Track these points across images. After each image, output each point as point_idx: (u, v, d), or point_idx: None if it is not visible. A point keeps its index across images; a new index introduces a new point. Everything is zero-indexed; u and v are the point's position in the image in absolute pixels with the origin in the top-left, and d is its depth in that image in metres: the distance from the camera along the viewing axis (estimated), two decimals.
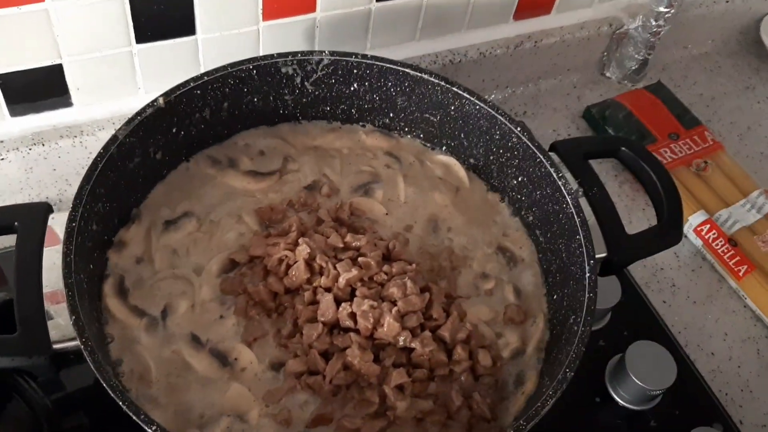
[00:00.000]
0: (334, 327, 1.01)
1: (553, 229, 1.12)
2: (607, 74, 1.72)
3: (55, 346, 0.88)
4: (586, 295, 0.99)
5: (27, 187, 1.30)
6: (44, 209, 0.96)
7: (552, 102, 1.67)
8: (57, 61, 1.20)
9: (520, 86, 1.67)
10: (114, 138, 1.03)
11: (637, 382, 1.16)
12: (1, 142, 1.23)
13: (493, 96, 1.65)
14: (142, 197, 1.13)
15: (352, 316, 0.98)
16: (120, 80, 1.29)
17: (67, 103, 1.27)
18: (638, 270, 1.39)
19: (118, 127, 1.04)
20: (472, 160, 1.24)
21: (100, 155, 1.01)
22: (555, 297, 1.10)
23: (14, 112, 1.24)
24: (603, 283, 1.12)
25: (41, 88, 1.24)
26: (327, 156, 1.23)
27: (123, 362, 0.97)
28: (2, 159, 1.24)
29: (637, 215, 1.50)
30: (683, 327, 1.34)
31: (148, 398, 0.95)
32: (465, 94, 1.18)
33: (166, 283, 1.05)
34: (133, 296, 1.03)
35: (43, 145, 1.26)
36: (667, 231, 1.07)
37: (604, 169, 1.54)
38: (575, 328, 0.97)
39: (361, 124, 1.28)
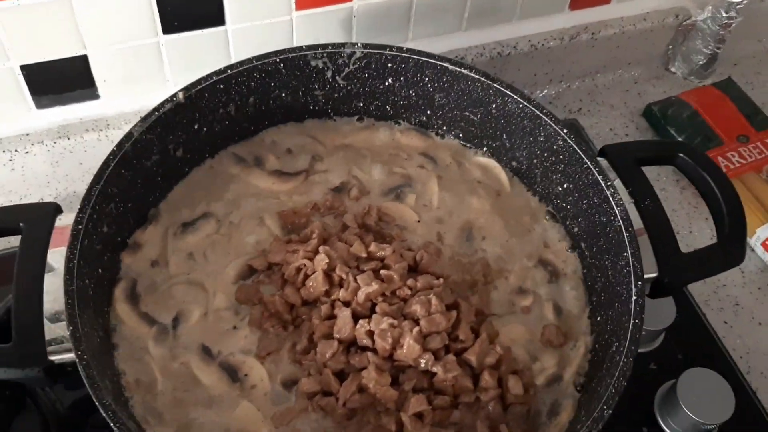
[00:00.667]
0: (351, 345, 0.93)
1: (600, 243, 1.01)
2: (672, 69, 1.59)
3: (52, 358, 0.84)
4: (631, 321, 0.89)
5: (54, 181, 1.27)
6: (51, 210, 0.92)
7: (610, 98, 1.55)
8: (81, 52, 1.16)
9: (575, 81, 1.56)
10: (129, 135, 0.98)
11: (689, 414, 1.05)
12: (27, 135, 1.20)
13: (545, 91, 1.54)
14: (162, 196, 1.08)
15: (370, 334, 0.91)
16: (148, 72, 1.24)
17: (93, 95, 1.23)
18: (697, 286, 1.27)
19: None
20: (514, 163, 1.15)
21: (113, 153, 0.96)
22: (599, 319, 1.00)
23: (40, 104, 1.21)
24: (656, 301, 1.02)
25: (67, 80, 1.20)
26: (358, 156, 1.15)
27: (128, 372, 0.92)
28: (27, 152, 1.21)
29: (699, 225, 1.37)
30: (746, 352, 1.22)
31: (152, 412, 0.90)
32: (507, 92, 1.08)
33: (180, 288, 1.00)
34: (144, 302, 0.98)
35: (69, 138, 1.22)
36: (727, 250, 0.96)
37: (664, 172, 1.42)
38: (617, 357, 0.87)
39: (395, 121, 1.19)
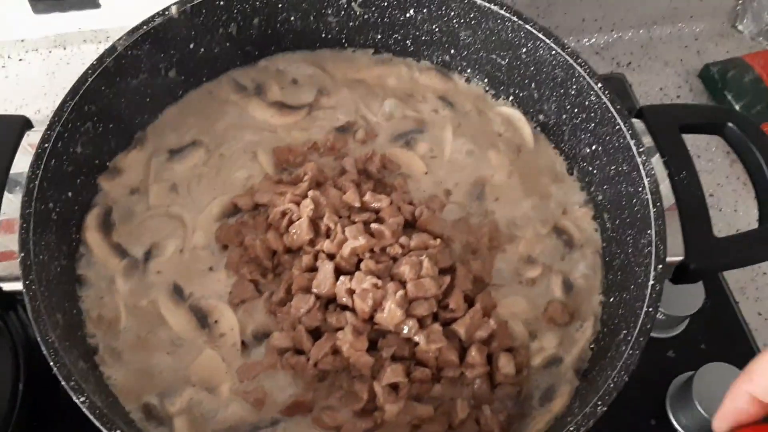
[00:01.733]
0: (330, 302, 0.85)
1: (624, 216, 0.90)
2: (739, 27, 1.42)
3: (2, 285, 0.77)
4: (644, 309, 0.78)
5: (50, 93, 1.20)
6: (19, 124, 0.85)
7: (665, 54, 1.39)
8: None
9: (629, 31, 1.40)
10: (112, 49, 0.90)
11: (702, 412, 0.94)
12: (22, 41, 1.13)
13: (593, 40, 1.39)
14: (150, 119, 0.99)
15: (351, 293, 0.82)
16: None
17: (94, 3, 1.14)
18: (733, 271, 1.15)
19: None
20: (541, 117, 1.03)
21: (92, 67, 0.88)
22: (612, 300, 0.89)
23: (37, 8, 1.13)
24: (683, 285, 0.91)
25: None
26: (369, 93, 1.04)
27: (91, 306, 0.86)
28: (21, 60, 1.14)
29: (746, 204, 1.23)
30: None
31: (112, 351, 0.84)
32: (540, 35, 0.95)
33: (158, 221, 0.92)
34: (117, 232, 0.91)
35: (65, 48, 1.15)
36: (766, 239, 0.83)
37: (714, 141, 1.28)
38: (623, 347, 0.77)
39: (415, 58, 1.08)
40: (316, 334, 0.84)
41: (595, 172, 0.96)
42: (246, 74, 1.05)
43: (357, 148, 1.00)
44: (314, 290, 0.84)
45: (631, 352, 0.75)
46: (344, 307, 0.84)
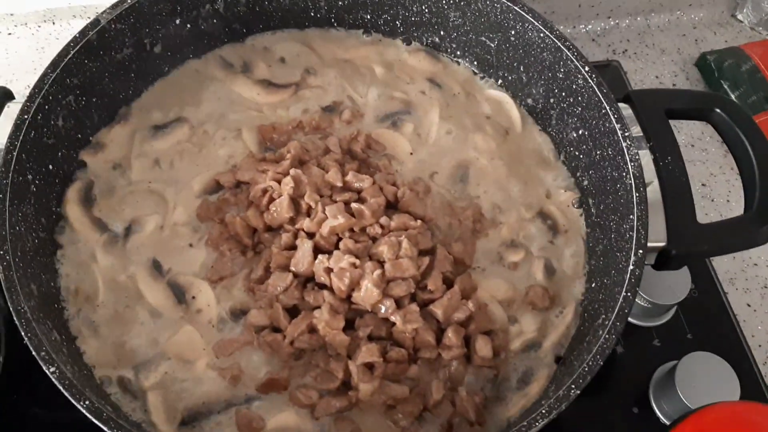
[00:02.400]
0: (309, 280, 0.84)
1: (608, 201, 0.89)
2: (739, 17, 1.40)
3: None
4: (622, 294, 0.77)
5: (40, 68, 1.15)
6: None
7: (662, 42, 1.38)
8: None
9: (626, 18, 1.39)
10: (95, 22, 0.89)
11: (685, 402, 0.94)
12: (11, 15, 1.12)
13: (590, 26, 1.38)
14: (135, 95, 0.99)
15: (328, 271, 0.82)
16: None
17: None
18: (723, 261, 1.13)
19: None
20: (529, 101, 1.02)
21: (74, 40, 0.88)
22: (594, 285, 0.88)
23: None
24: (670, 272, 0.90)
25: None
26: (356, 74, 1.04)
27: (69, 279, 0.86)
28: (10, 34, 1.13)
29: (739, 194, 1.20)
30: (766, 341, 1.09)
31: (89, 324, 0.84)
32: (529, 17, 0.94)
33: (139, 197, 0.92)
34: (98, 206, 0.91)
35: (54, 23, 1.14)
36: (752, 225, 0.82)
37: (709, 130, 1.26)
38: (600, 332, 0.76)
39: (405, 39, 1.07)
40: (293, 312, 0.83)
41: (581, 156, 0.95)
42: (233, 52, 1.04)
43: (343, 128, 0.99)
44: (292, 269, 0.83)
45: (607, 336, 0.75)
46: (322, 286, 0.83)
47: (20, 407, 0.96)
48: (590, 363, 0.73)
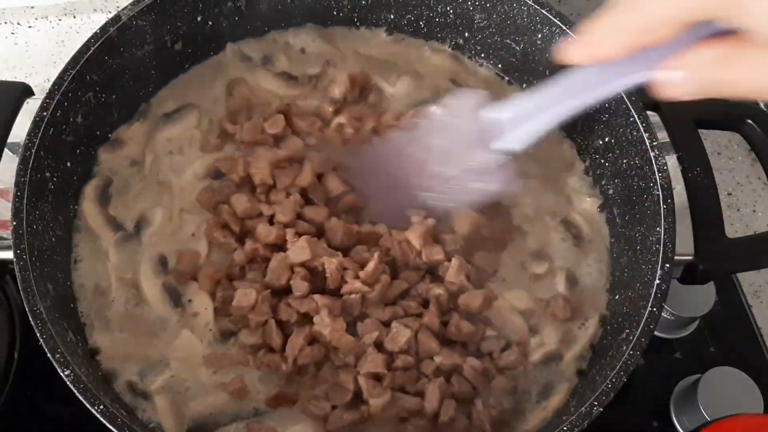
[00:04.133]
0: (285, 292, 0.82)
1: (634, 212, 0.87)
2: None
3: None
4: (648, 308, 0.75)
5: (60, 61, 1.15)
6: (18, 91, 0.83)
7: None
8: None
9: None
10: (116, 18, 0.88)
11: (707, 417, 0.92)
12: (32, 7, 1.11)
13: None
14: (155, 91, 0.97)
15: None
16: None
17: None
18: (748, 274, 1.11)
19: None
20: None
21: (95, 36, 0.86)
22: (617, 298, 0.86)
23: None
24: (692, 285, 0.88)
25: None
26: (383, 67, 1.01)
27: (84, 277, 0.85)
28: (30, 27, 1.13)
29: (765, 205, 1.19)
30: None
31: (102, 319, 0.82)
32: (556, 21, 0.92)
33: (149, 190, 0.90)
34: (113, 204, 0.89)
35: (75, 17, 1.13)
36: None
37: (736, 138, 1.23)
38: (623, 347, 0.75)
39: (428, 40, 1.05)
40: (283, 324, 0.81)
41: (606, 165, 0.93)
42: (254, 45, 1.02)
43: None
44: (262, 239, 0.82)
45: (631, 352, 0.73)
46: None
47: (35, 403, 0.95)
48: (614, 379, 0.72)
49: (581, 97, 0.69)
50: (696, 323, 1.05)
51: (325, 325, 0.77)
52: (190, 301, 0.83)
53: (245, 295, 0.79)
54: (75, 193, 0.88)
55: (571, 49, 0.61)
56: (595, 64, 0.63)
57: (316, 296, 0.79)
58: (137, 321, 0.82)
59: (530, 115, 0.73)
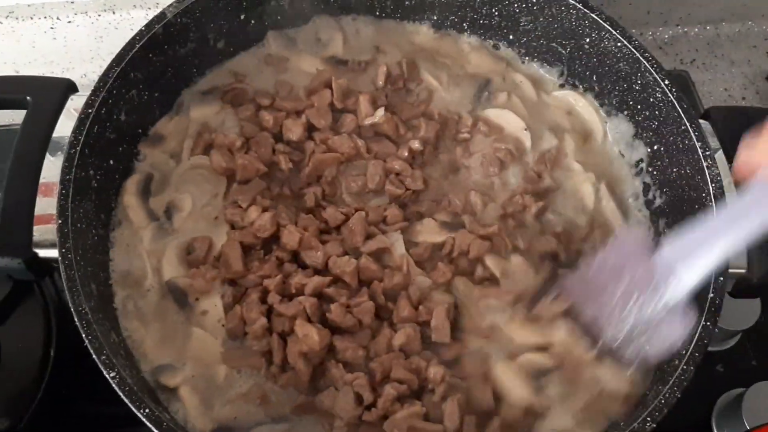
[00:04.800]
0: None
1: (684, 223, 0.85)
2: None
3: (38, 251, 0.76)
4: (701, 323, 0.74)
5: (98, 57, 1.18)
6: (63, 87, 0.83)
7: (732, 53, 1.33)
8: None
9: (695, 26, 1.34)
10: (161, 16, 0.87)
11: None
12: (72, 2, 1.11)
13: (657, 34, 1.33)
14: (194, 86, 0.96)
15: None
16: None
17: None
18: None
19: None
20: (601, 112, 0.98)
21: (140, 34, 0.85)
22: None
23: None
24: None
25: None
26: (429, 59, 1.01)
27: (121, 268, 0.83)
28: (69, 22, 1.12)
29: None
30: None
31: (136, 309, 0.81)
32: (606, 25, 0.91)
33: (185, 177, 0.89)
34: (153, 198, 0.88)
35: (114, 12, 1.12)
36: None
37: None
38: (675, 361, 0.73)
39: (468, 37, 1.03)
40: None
41: (655, 173, 0.91)
42: (298, 33, 1.00)
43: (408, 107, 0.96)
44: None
45: (685, 367, 0.71)
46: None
47: (71, 401, 0.95)
48: (667, 395, 0.70)
49: (749, 223, 0.66)
50: (738, 336, 1.03)
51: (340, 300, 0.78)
52: (197, 300, 0.82)
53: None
54: (116, 191, 0.87)
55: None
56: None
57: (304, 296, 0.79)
58: (164, 316, 0.81)
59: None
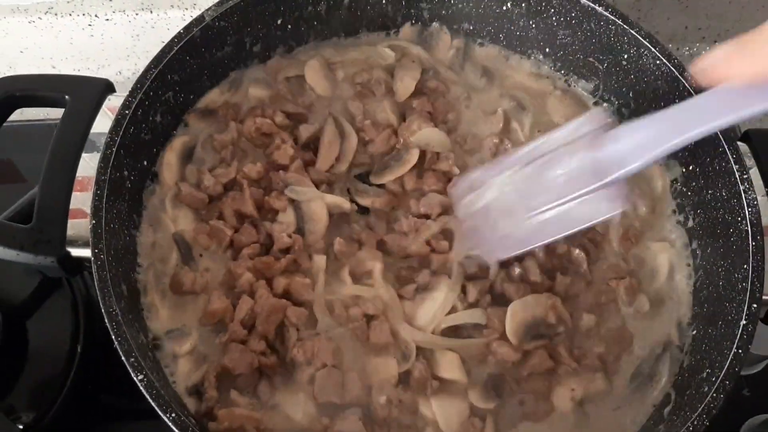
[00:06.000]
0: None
1: (717, 245, 0.84)
2: None
3: (71, 250, 0.76)
4: (733, 350, 0.73)
5: (133, 55, 1.19)
6: (102, 87, 0.83)
7: None
8: None
9: None
10: (200, 19, 0.87)
11: None
12: (110, 0, 1.12)
13: (693, 50, 1.31)
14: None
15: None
16: None
17: None
18: None
19: None
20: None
21: (178, 36, 0.86)
22: (695, 333, 0.83)
23: None
24: None
25: None
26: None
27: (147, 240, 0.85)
28: (107, 19, 1.13)
29: None
30: None
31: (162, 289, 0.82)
32: (645, 42, 0.89)
33: None
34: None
35: (152, 12, 1.13)
36: None
37: None
38: (705, 388, 0.72)
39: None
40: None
41: (689, 194, 0.90)
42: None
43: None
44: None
45: (714, 395, 0.70)
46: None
47: (96, 396, 0.96)
48: (696, 422, 0.69)
49: (702, 124, 0.67)
50: (766, 361, 1.01)
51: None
52: (201, 255, 0.84)
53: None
54: (148, 193, 0.88)
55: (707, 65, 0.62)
56: (721, 89, 0.64)
57: None
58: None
59: (649, 142, 0.70)
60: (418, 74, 0.97)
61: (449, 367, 0.79)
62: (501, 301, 0.83)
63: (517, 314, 0.80)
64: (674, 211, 0.91)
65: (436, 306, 0.81)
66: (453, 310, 0.82)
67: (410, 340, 0.80)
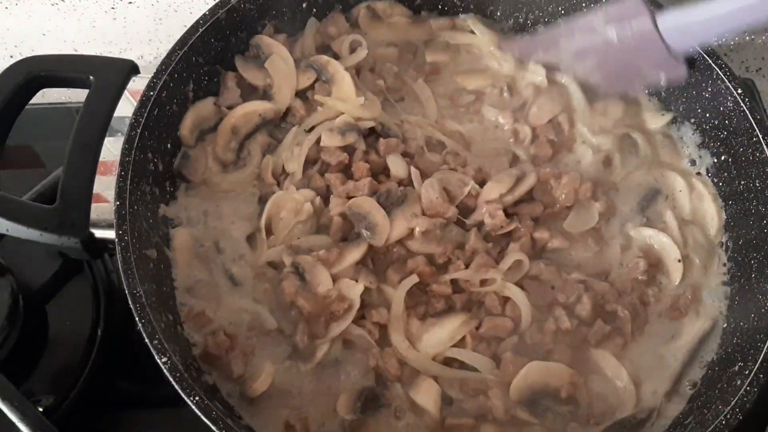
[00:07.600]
0: None
1: (749, 237, 0.82)
2: None
3: (95, 231, 0.75)
4: (767, 344, 0.71)
5: (156, 39, 1.18)
6: (127, 69, 0.82)
7: None
8: None
9: (763, 34, 1.29)
10: (224, 1, 0.86)
11: None
12: None
13: (722, 41, 1.26)
14: None
15: None
16: None
17: None
18: None
19: None
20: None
21: (204, 18, 0.85)
22: (727, 326, 0.82)
23: None
24: None
25: None
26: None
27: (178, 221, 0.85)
28: (130, 3, 1.12)
29: None
30: None
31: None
32: None
33: None
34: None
35: None
36: None
37: None
38: (737, 382, 0.71)
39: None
40: None
41: (720, 184, 0.88)
42: None
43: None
44: None
45: (748, 388, 0.69)
46: None
47: (115, 380, 0.95)
48: (729, 416, 0.67)
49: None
50: None
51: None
52: None
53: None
54: (172, 176, 0.87)
55: None
56: None
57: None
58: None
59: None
60: None
61: (426, 394, 0.75)
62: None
63: (531, 374, 0.75)
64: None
65: (444, 334, 0.78)
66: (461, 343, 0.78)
67: (405, 355, 0.76)
